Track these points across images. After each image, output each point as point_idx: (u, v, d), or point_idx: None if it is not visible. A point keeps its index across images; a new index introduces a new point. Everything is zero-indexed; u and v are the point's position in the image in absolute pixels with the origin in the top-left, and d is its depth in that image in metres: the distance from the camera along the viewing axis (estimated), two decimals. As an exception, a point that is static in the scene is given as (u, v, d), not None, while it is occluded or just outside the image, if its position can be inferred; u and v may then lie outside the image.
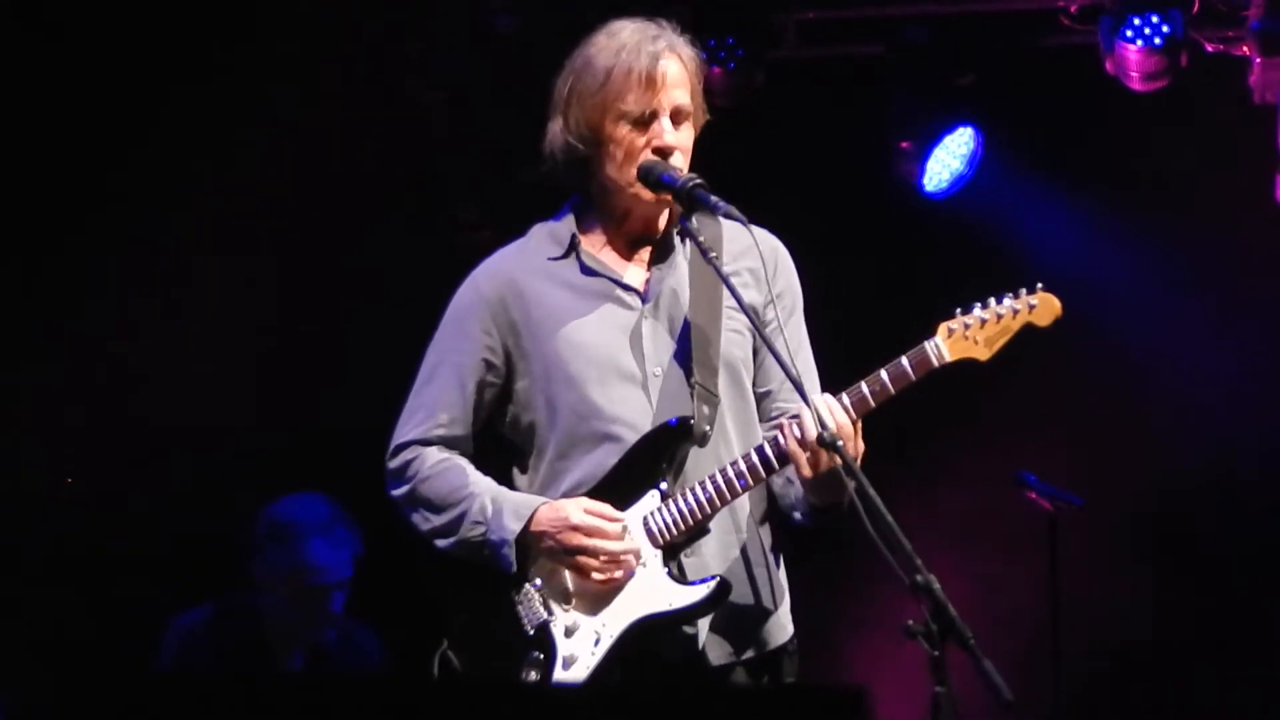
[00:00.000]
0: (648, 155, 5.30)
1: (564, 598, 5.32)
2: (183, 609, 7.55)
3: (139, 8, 8.19)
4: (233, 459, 8.26)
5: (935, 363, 5.18)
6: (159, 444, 8.35)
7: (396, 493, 5.51)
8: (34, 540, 8.30)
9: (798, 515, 5.36)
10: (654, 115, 5.32)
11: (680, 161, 5.32)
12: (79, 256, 8.36)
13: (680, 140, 5.33)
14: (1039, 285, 5.21)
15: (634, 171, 5.32)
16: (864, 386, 5.16)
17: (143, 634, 7.60)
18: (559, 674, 5.26)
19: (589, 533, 5.24)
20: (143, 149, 8.34)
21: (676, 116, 5.34)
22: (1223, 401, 8.91)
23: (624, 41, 5.37)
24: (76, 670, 7.81)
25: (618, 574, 5.25)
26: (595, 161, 5.39)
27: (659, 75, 5.30)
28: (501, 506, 5.34)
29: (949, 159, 8.80)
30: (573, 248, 5.45)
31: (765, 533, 5.44)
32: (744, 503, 5.36)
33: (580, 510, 5.27)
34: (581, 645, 5.27)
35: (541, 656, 5.29)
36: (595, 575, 5.26)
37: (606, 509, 5.27)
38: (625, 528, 5.26)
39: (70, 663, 8.00)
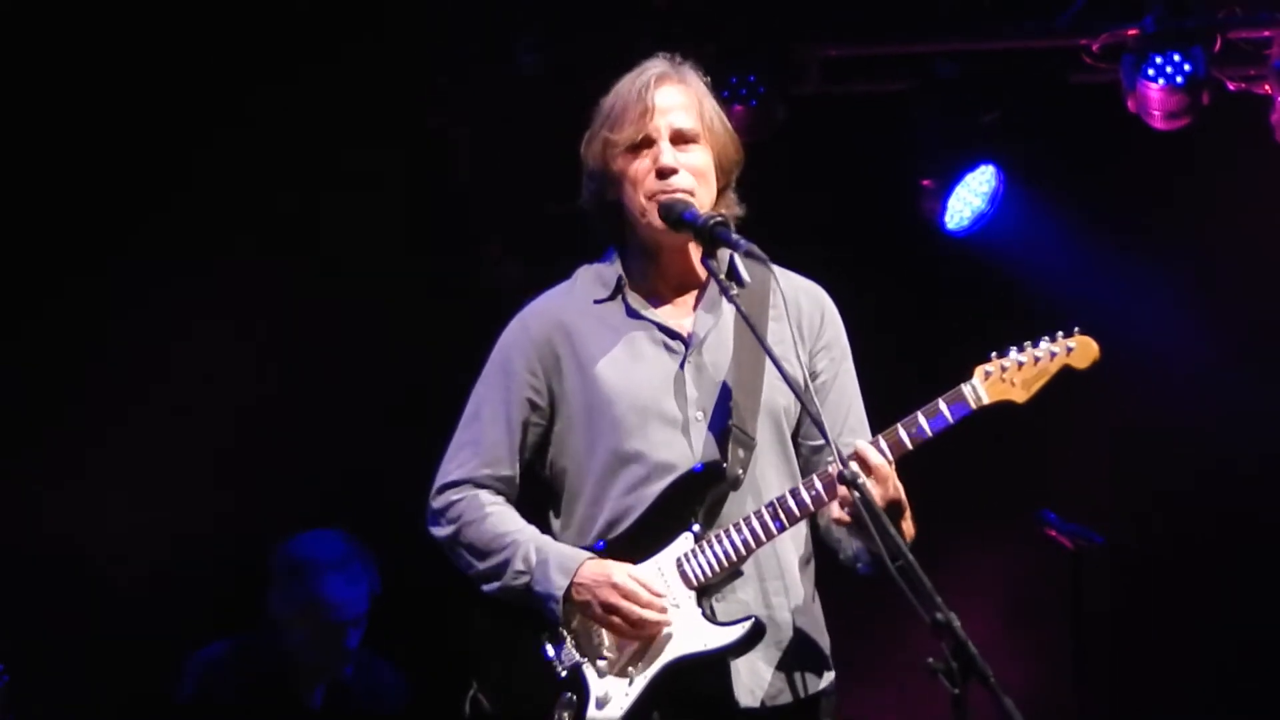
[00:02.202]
0: (653, 181, 5.31)
1: (598, 639, 5.30)
2: (203, 644, 7.56)
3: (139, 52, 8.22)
4: (260, 495, 8.25)
5: (973, 405, 5.18)
6: (180, 475, 8.34)
7: (440, 533, 5.50)
8: (52, 574, 8.28)
9: (860, 565, 5.35)
10: (650, 140, 5.33)
11: (687, 182, 5.31)
12: (123, 258, 8.39)
13: (686, 161, 5.33)
14: (1076, 329, 5.23)
15: (642, 199, 5.33)
16: (900, 429, 5.17)
17: (162, 669, 7.61)
18: (592, 714, 5.24)
19: (626, 594, 5.23)
20: (169, 179, 8.38)
21: (680, 139, 5.34)
22: (1246, 437, 8.90)
23: (624, 79, 5.43)
24: (99, 704, 7.85)
25: (640, 634, 5.24)
26: (617, 202, 5.41)
27: (650, 101, 5.32)
28: (547, 558, 5.32)
29: (970, 197, 8.81)
30: (619, 290, 5.45)
31: (806, 576, 5.43)
32: (786, 548, 5.36)
33: (624, 572, 5.26)
34: (615, 686, 5.25)
35: (574, 698, 5.27)
36: (620, 635, 5.26)
37: (651, 581, 5.25)
38: (664, 600, 5.24)
39: (90, 696, 8.01)
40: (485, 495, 5.46)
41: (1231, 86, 8.49)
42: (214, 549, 8.16)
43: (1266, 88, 8.45)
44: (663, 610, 5.23)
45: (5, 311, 8.26)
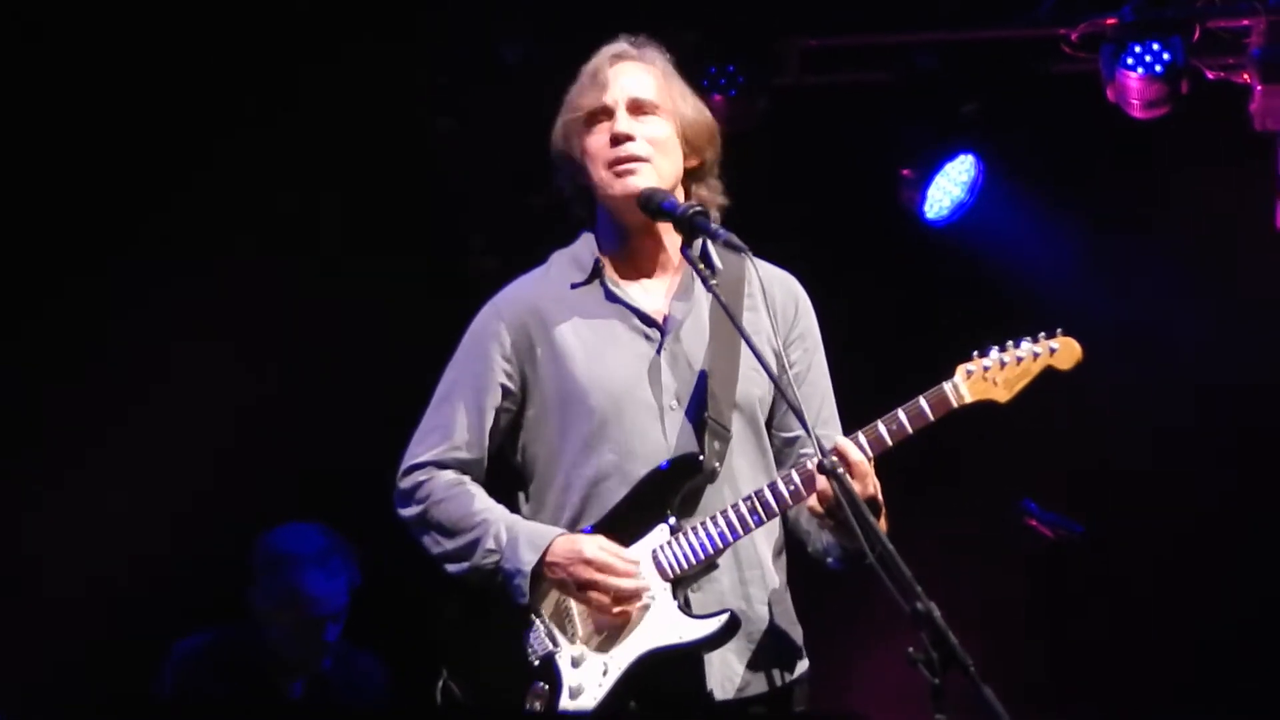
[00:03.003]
0: (607, 150, 5.33)
1: (571, 629, 5.31)
2: (182, 636, 7.54)
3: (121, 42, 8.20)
4: (238, 488, 8.24)
5: (954, 403, 5.22)
6: (178, 473, 8.34)
7: (407, 513, 5.48)
8: (49, 571, 8.27)
9: (830, 560, 5.37)
10: (608, 111, 5.36)
11: (644, 149, 5.32)
12: (123, 258, 8.38)
13: (644, 130, 5.35)
14: (1059, 330, 5.25)
15: (601, 170, 5.35)
16: (880, 426, 5.19)
17: (142, 660, 7.59)
18: (565, 704, 5.25)
19: (601, 568, 5.23)
20: (167, 179, 8.37)
21: (638, 109, 5.36)
22: (1227, 427, 8.91)
23: (586, 64, 5.47)
24: (79, 698, 7.83)
25: (623, 610, 5.24)
26: (587, 185, 5.43)
27: (606, 74, 5.38)
28: (517, 535, 5.32)
29: (950, 186, 8.80)
30: (596, 273, 5.46)
31: (779, 567, 5.46)
32: (761, 540, 5.37)
33: (595, 546, 5.26)
34: (589, 677, 5.26)
35: (546, 687, 5.27)
36: (600, 611, 5.26)
37: (621, 549, 5.26)
38: (638, 567, 5.25)
39: (72, 691, 7.99)
40: (453, 475, 5.44)
41: (1210, 75, 8.47)
42: (212, 547, 8.13)
43: (1245, 76, 8.43)
44: (640, 577, 5.23)
45: (5, 311, 8.24)
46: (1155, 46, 8.31)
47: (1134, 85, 8.37)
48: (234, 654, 7.44)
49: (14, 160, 8.16)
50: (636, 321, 5.39)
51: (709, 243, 5.29)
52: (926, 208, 8.77)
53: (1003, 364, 5.22)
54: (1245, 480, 8.89)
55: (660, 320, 5.40)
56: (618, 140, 5.32)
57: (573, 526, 5.35)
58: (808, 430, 5.01)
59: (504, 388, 5.44)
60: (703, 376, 5.34)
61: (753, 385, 5.38)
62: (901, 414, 5.18)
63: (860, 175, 8.78)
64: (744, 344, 5.28)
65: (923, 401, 5.19)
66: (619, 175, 5.34)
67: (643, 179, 5.34)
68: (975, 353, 5.22)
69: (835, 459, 4.98)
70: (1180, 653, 8.93)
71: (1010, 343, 5.25)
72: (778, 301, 5.43)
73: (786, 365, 5.36)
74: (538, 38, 8.32)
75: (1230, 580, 8.89)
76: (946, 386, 5.21)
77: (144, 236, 8.35)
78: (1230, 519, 8.91)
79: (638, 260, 5.46)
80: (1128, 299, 8.85)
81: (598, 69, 5.40)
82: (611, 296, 5.42)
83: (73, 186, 8.26)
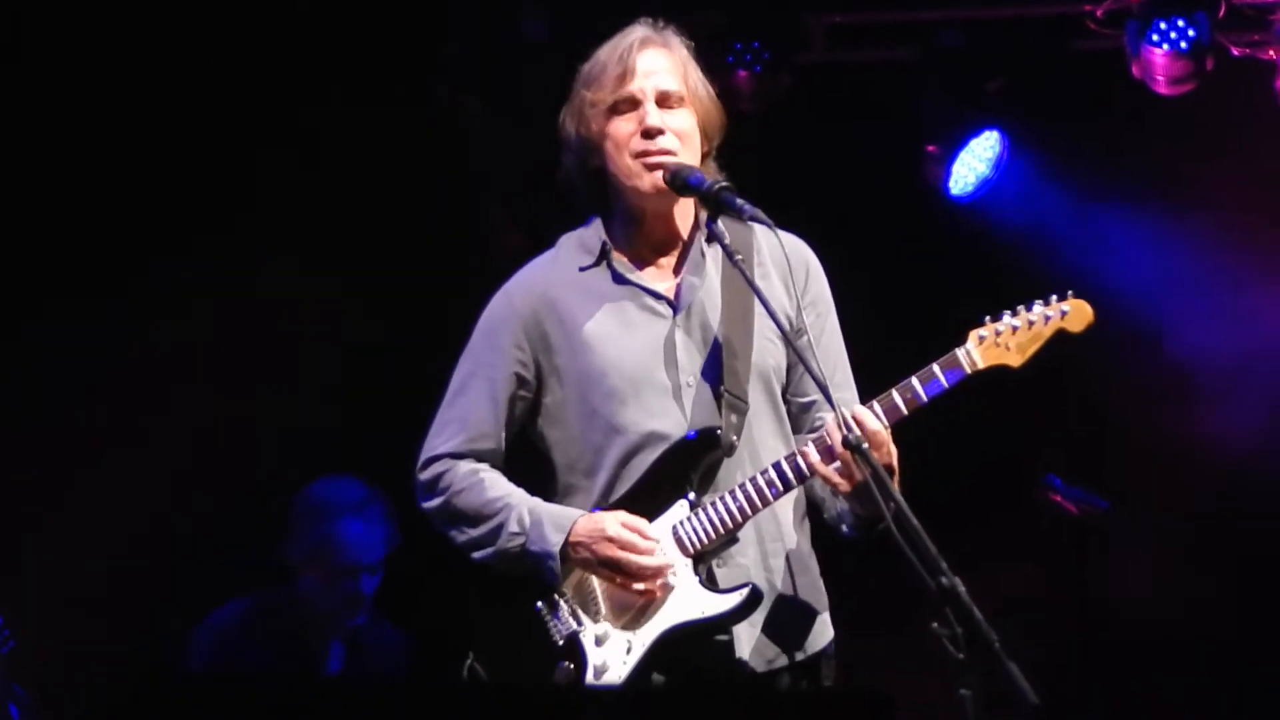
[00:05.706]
0: (638, 141, 5.33)
1: (594, 608, 5.33)
2: (216, 605, 7.57)
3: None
4: (266, 461, 8.28)
5: (968, 369, 5.20)
6: (194, 444, 8.38)
7: (429, 505, 5.52)
8: (65, 539, 8.33)
9: (845, 528, 5.37)
10: (635, 102, 5.35)
11: (673, 143, 5.33)
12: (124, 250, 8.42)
13: (672, 122, 5.35)
14: (1070, 292, 5.24)
15: (628, 159, 5.35)
16: (895, 394, 5.18)
17: (173, 631, 7.63)
18: (590, 682, 5.27)
19: (623, 545, 5.25)
20: (185, 155, 8.41)
21: (665, 101, 5.36)
22: (1254, 403, 8.88)
23: (605, 45, 5.47)
24: (111, 673, 7.87)
25: (646, 586, 5.25)
26: (601, 166, 5.43)
27: (632, 63, 5.35)
28: (541, 518, 5.34)
29: (974, 162, 8.80)
30: (604, 255, 5.46)
31: (803, 534, 5.46)
32: (784, 509, 5.37)
33: (616, 524, 5.27)
34: (613, 654, 5.28)
35: (572, 666, 5.30)
36: (623, 589, 5.28)
37: (643, 524, 5.28)
38: (659, 544, 5.27)
39: (102, 666, 8.03)
40: (471, 464, 5.47)
41: (1235, 52, 8.47)
42: (225, 520, 8.18)
43: (1271, 53, 8.43)
44: (662, 554, 5.25)
45: (8, 308, 8.31)
46: (1180, 23, 8.31)
47: (1159, 62, 8.37)
48: (266, 619, 7.43)
49: (18, 169, 8.23)
50: (647, 300, 5.40)
51: (715, 215, 5.34)
52: (951, 184, 8.77)
53: (1014, 328, 5.20)
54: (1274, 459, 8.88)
55: (671, 297, 5.41)
56: (649, 134, 5.33)
57: (599, 507, 5.36)
58: (831, 402, 5.05)
59: (519, 376, 5.46)
60: (717, 351, 5.35)
61: (768, 355, 5.39)
62: (915, 381, 5.18)
63: (884, 151, 8.77)
64: (757, 314, 5.33)
65: (936, 368, 5.19)
66: (649, 168, 5.35)
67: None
68: (987, 317, 5.23)
69: (859, 434, 5.00)
70: (1207, 625, 8.91)
71: (1022, 306, 5.24)
72: (790, 266, 5.40)
73: (797, 332, 5.36)
74: (561, 15, 8.32)
75: (1257, 553, 8.89)
76: (959, 353, 5.20)
77: (146, 221, 8.39)
78: (1258, 497, 8.89)
79: (647, 241, 5.47)
80: (1149, 273, 8.83)
81: (622, 56, 5.38)
82: (619, 278, 5.43)
83: (74, 185, 8.32)
